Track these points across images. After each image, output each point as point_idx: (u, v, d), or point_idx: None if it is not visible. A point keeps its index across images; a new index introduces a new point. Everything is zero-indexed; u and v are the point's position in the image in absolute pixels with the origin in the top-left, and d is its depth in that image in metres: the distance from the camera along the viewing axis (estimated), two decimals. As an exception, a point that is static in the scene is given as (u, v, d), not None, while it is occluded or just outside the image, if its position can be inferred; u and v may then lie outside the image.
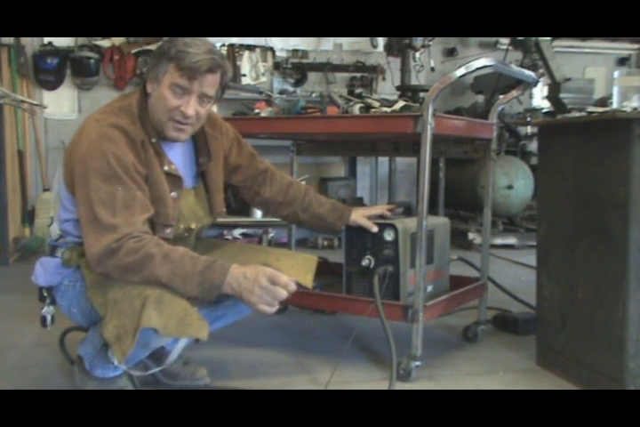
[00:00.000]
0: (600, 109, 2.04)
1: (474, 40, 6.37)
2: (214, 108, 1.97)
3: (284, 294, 1.66)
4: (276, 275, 1.67)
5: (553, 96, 4.98)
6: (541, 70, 4.97)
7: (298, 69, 5.44)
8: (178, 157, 1.92)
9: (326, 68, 5.48)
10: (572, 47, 6.52)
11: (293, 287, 1.68)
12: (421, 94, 4.66)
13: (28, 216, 4.73)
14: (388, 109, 2.23)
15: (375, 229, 2.22)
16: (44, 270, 1.89)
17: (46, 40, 4.88)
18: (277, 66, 5.40)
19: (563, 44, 6.22)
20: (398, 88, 4.88)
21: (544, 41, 4.88)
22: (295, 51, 5.51)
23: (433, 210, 4.47)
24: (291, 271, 2.01)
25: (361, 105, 2.31)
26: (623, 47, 6.82)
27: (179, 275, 1.66)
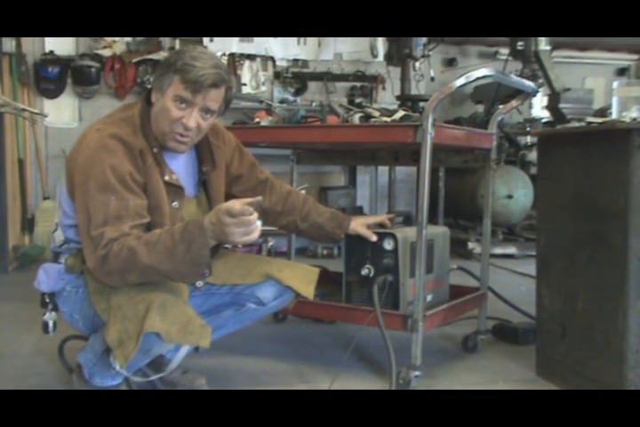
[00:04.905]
0: (599, 120, 2.05)
1: (473, 50, 6.40)
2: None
3: (249, 219, 1.60)
4: (229, 208, 1.59)
5: (552, 106, 4.98)
6: (541, 80, 4.97)
7: (298, 79, 5.46)
8: (180, 166, 1.92)
9: (326, 77, 5.49)
10: (572, 57, 6.54)
11: (250, 210, 1.60)
12: (421, 104, 4.65)
13: (28, 224, 4.74)
14: (388, 119, 2.24)
15: (374, 238, 2.22)
16: (47, 276, 1.91)
17: (47, 49, 4.90)
18: (278, 75, 5.42)
19: (562, 54, 6.24)
20: (398, 98, 4.89)
21: (543, 51, 4.89)
22: (295, 60, 5.53)
23: (432, 219, 4.47)
24: (292, 282, 2.01)
25: (361, 114, 2.31)
26: (622, 58, 6.84)
27: (164, 252, 1.64)
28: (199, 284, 1.80)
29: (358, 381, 2.22)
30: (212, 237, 1.64)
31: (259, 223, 1.64)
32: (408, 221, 2.50)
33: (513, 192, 5.01)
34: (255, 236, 1.63)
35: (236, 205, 1.59)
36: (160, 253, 1.64)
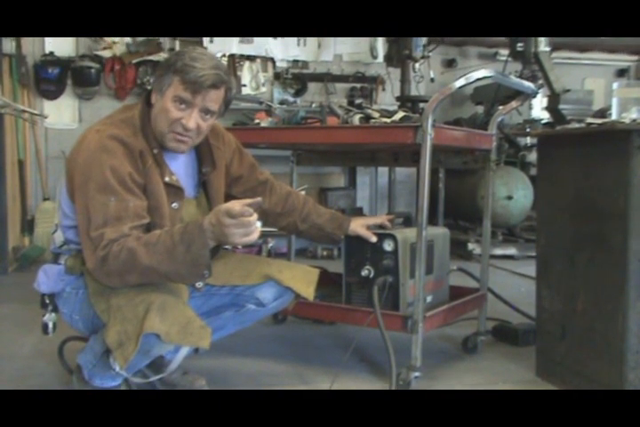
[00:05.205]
0: (599, 121, 2.05)
1: (473, 51, 6.40)
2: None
3: (249, 220, 1.59)
4: (229, 209, 1.59)
5: (552, 107, 4.99)
6: (540, 81, 4.98)
7: (298, 80, 5.46)
8: (180, 167, 1.92)
9: (326, 78, 5.49)
10: (572, 58, 6.54)
11: (250, 211, 1.59)
12: (421, 105, 4.67)
13: (28, 225, 4.74)
14: (388, 120, 2.24)
15: (374, 238, 2.22)
16: (47, 277, 1.90)
17: (47, 50, 4.90)
18: (278, 76, 5.42)
19: (562, 55, 6.25)
20: (398, 99, 4.90)
21: (543, 52, 4.90)
22: (295, 61, 5.53)
23: (432, 220, 4.48)
24: (292, 283, 2.01)
25: (361, 115, 2.31)
26: (622, 59, 6.85)
27: (164, 253, 1.64)
28: (199, 285, 1.80)
29: (358, 382, 2.22)
30: (212, 238, 1.64)
31: (259, 224, 1.64)
32: (408, 222, 2.50)
33: (513, 193, 5.01)
34: (255, 237, 1.63)
35: (235, 206, 1.59)
36: (160, 253, 1.64)
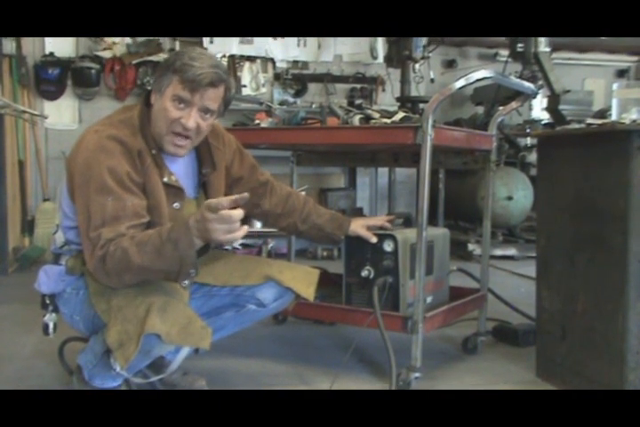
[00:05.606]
0: (599, 121, 2.05)
1: (473, 52, 6.40)
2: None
3: (230, 214, 1.57)
4: (209, 203, 1.58)
5: (552, 108, 4.99)
6: (540, 82, 4.98)
7: (298, 80, 5.47)
8: (180, 168, 1.92)
9: (326, 78, 5.50)
10: (571, 59, 6.54)
11: (226, 202, 1.56)
12: (421, 105, 4.67)
13: (28, 226, 4.75)
14: (388, 120, 2.24)
15: (374, 239, 2.22)
16: (48, 278, 1.91)
17: (47, 50, 4.90)
18: (278, 77, 5.43)
19: (562, 55, 6.25)
20: (398, 99, 4.90)
21: (543, 53, 4.90)
22: (295, 62, 5.54)
23: (432, 221, 4.47)
24: (293, 283, 2.01)
25: (361, 116, 2.31)
26: (622, 59, 6.84)
27: (153, 252, 1.63)
28: (184, 284, 1.79)
29: (358, 382, 2.22)
30: (197, 236, 1.62)
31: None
32: (408, 222, 2.50)
33: (513, 194, 5.01)
34: (239, 235, 1.61)
35: (212, 201, 1.58)
36: (149, 253, 1.64)
